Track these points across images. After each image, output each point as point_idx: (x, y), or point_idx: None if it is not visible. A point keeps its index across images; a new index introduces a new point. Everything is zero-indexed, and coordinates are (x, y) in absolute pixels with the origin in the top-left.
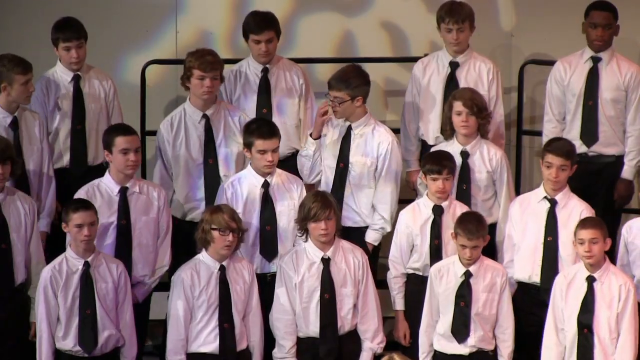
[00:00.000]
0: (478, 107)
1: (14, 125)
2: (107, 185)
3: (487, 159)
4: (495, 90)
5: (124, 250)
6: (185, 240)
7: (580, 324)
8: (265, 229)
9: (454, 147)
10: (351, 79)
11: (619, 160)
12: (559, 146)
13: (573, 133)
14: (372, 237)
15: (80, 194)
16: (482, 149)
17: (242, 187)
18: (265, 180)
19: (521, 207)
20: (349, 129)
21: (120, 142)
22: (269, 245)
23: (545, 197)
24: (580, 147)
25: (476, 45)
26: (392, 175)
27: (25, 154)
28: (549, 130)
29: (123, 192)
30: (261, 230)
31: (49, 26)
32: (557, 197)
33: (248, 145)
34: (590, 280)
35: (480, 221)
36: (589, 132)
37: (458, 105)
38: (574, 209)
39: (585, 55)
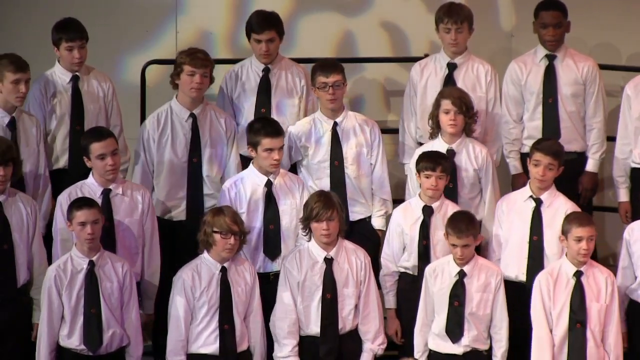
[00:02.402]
0: (466, 106)
1: (12, 125)
2: (90, 187)
3: (473, 157)
4: (494, 92)
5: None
6: (166, 239)
7: (573, 319)
8: (269, 228)
9: (439, 146)
10: (339, 64)
11: (580, 158)
12: (548, 145)
13: (532, 132)
14: (380, 223)
15: (64, 196)
16: (468, 147)
17: (246, 186)
18: (269, 180)
19: (507, 206)
20: (334, 125)
21: (95, 148)
22: (272, 244)
23: (531, 197)
24: None
25: (476, 45)
26: (384, 156)
27: (23, 155)
28: (507, 132)
29: (106, 194)
30: (264, 229)
31: (48, 26)
32: (543, 197)
33: (254, 145)
34: (578, 275)
35: (471, 220)
36: (551, 130)
37: (446, 104)
38: (559, 208)
39: (539, 53)
